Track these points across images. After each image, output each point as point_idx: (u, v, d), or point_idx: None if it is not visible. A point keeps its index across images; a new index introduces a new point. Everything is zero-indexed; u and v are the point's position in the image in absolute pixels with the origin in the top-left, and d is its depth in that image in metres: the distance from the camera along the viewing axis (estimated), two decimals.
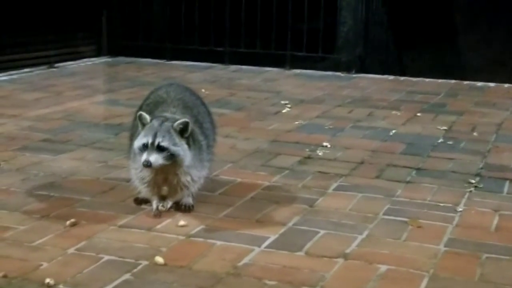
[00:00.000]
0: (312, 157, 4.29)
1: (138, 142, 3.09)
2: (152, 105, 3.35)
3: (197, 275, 2.64)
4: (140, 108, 3.37)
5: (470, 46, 8.71)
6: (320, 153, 4.37)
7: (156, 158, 3.03)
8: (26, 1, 7.19)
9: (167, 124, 3.10)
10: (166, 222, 3.14)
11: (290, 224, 3.17)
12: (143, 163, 3.04)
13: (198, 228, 3.08)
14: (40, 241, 2.89)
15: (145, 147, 3.05)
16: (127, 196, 3.40)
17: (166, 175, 3.19)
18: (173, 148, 3.07)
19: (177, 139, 3.09)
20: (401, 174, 3.98)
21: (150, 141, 3.04)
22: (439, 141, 4.76)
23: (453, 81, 7.29)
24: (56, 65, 7.49)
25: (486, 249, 2.95)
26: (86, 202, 3.37)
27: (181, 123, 3.10)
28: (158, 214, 3.21)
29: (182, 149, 3.10)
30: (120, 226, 3.09)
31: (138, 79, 6.95)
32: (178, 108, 3.29)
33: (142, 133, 3.10)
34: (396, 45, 8.96)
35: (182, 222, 3.11)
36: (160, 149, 3.04)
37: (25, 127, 4.81)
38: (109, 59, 8.23)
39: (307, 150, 4.43)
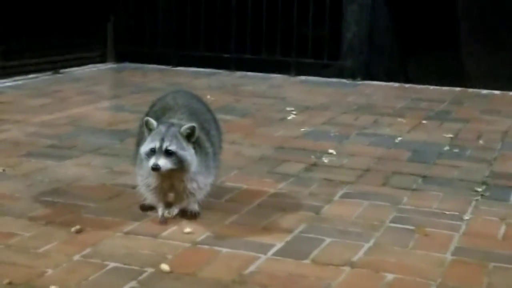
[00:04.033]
0: (318, 164, 4.28)
1: (145, 147, 3.09)
2: (159, 112, 3.34)
3: (203, 282, 2.63)
4: (147, 115, 3.35)
5: (475, 54, 8.70)
6: (326, 160, 4.36)
7: (164, 162, 3.03)
8: (32, 7, 7.20)
9: (174, 129, 3.09)
10: (172, 229, 3.13)
11: (296, 231, 3.16)
12: (151, 166, 3.03)
13: (204, 235, 3.07)
14: (45, 247, 2.88)
15: (152, 151, 3.05)
16: (132, 202, 3.39)
17: (172, 182, 3.18)
18: (180, 153, 3.06)
19: (184, 143, 3.09)
20: (407, 181, 3.97)
21: (157, 145, 3.04)
22: (445, 148, 4.75)
23: (458, 88, 7.28)
24: (62, 71, 7.49)
25: (494, 258, 2.93)
26: (92, 209, 3.36)
27: (188, 128, 3.10)
28: (164, 221, 3.20)
29: (189, 153, 3.10)
30: (126, 233, 3.08)
31: (143, 85, 6.96)
32: (185, 115, 3.28)
33: (149, 138, 3.09)
34: (401, 52, 8.95)
35: (188, 229, 3.10)
36: (168, 153, 3.04)
37: (30, 133, 4.81)
38: (115, 65, 8.24)
39: (313, 157, 4.42)
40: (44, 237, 2.99)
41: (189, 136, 3.10)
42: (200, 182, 3.20)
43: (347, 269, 2.78)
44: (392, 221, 3.33)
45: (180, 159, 3.07)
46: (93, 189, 3.67)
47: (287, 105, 6.06)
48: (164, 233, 3.08)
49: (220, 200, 3.54)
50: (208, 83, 7.21)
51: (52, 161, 4.13)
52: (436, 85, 7.40)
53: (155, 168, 3.03)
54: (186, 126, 3.10)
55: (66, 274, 2.65)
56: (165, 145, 3.04)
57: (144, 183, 3.23)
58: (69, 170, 3.99)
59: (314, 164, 4.28)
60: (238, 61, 8.07)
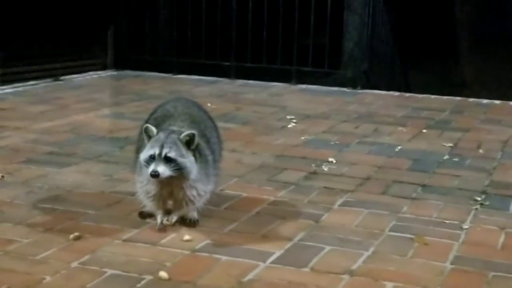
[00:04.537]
0: (318, 173, 4.27)
1: (144, 154, 3.08)
2: (160, 119, 3.34)
3: None
4: (147, 122, 3.35)
5: (476, 63, 8.71)
6: (326, 168, 4.36)
7: (163, 169, 3.02)
8: (33, 14, 7.21)
9: (174, 136, 3.09)
10: (171, 236, 3.13)
11: (295, 239, 3.15)
12: (150, 173, 3.02)
13: (203, 243, 3.06)
14: (43, 254, 2.88)
15: (152, 158, 3.04)
16: (132, 210, 3.39)
17: (171, 189, 3.18)
18: (180, 160, 3.06)
19: (184, 150, 3.08)
20: (407, 190, 3.97)
21: (157, 152, 3.03)
22: (445, 157, 4.74)
23: (458, 97, 7.28)
24: (62, 78, 7.50)
25: (493, 267, 2.92)
26: (91, 216, 3.36)
27: (187, 135, 3.09)
28: (163, 229, 3.19)
29: (189, 161, 3.09)
30: (125, 240, 3.07)
31: (144, 92, 6.95)
32: (186, 122, 3.28)
33: (149, 145, 3.09)
34: (402, 61, 8.97)
35: (187, 237, 3.10)
36: (167, 160, 3.03)
37: (30, 139, 4.80)
38: (115, 73, 8.24)
39: (313, 165, 4.41)
40: (42, 244, 2.98)
41: (189, 143, 3.09)
42: (199, 189, 3.20)
43: (346, 277, 2.78)
44: (391, 230, 3.33)
45: (179, 166, 3.06)
46: (93, 196, 3.67)
47: (288, 114, 6.06)
48: (163, 241, 3.07)
49: (220, 208, 3.53)
50: (208, 91, 7.21)
51: (52, 168, 4.13)
52: (437, 94, 7.40)
53: (154, 175, 3.02)
54: (185, 133, 3.10)
55: (65, 281, 2.65)
56: (164, 151, 3.04)
57: (143, 190, 3.23)
58: (68, 177, 3.99)
59: (314, 172, 4.27)
60: (238, 69, 8.08)
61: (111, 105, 6.46)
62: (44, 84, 7.17)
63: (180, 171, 3.07)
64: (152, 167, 3.02)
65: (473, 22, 8.84)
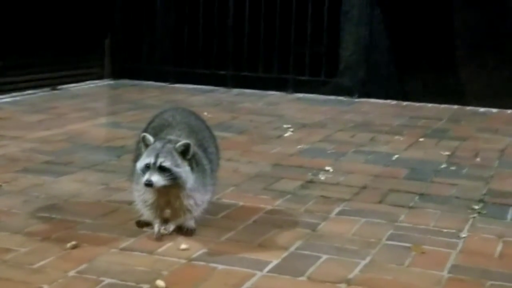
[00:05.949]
0: (315, 181, 4.27)
1: (140, 163, 3.09)
2: (157, 128, 3.34)
3: None
4: (145, 131, 3.35)
5: (473, 72, 8.71)
6: (322, 177, 4.36)
7: (158, 179, 3.03)
8: (30, 23, 7.22)
9: (170, 145, 3.09)
10: (168, 245, 3.12)
11: (292, 248, 3.15)
12: (144, 182, 3.03)
13: (200, 252, 3.06)
14: (40, 263, 2.87)
15: (147, 167, 3.05)
16: (128, 218, 3.38)
17: (169, 198, 3.17)
18: (174, 169, 3.06)
19: (179, 160, 3.08)
20: (404, 199, 3.97)
21: (152, 161, 3.04)
22: (442, 166, 4.74)
23: (455, 106, 7.29)
24: (59, 87, 7.50)
25: (490, 276, 2.92)
26: (88, 225, 3.35)
27: (183, 144, 3.10)
28: (160, 237, 3.19)
29: (184, 170, 3.09)
30: (122, 249, 3.07)
31: (140, 101, 6.96)
32: (183, 132, 3.28)
33: (145, 154, 3.10)
34: (399, 70, 8.97)
35: (183, 246, 3.09)
36: (161, 169, 3.04)
37: (27, 149, 4.80)
38: (112, 82, 8.25)
39: (309, 174, 4.41)
40: (39, 253, 2.98)
41: (184, 153, 3.10)
42: (197, 199, 3.20)
43: (343, 286, 2.77)
44: (388, 239, 3.32)
45: (174, 175, 3.06)
46: (89, 205, 3.66)
47: (284, 122, 6.06)
48: (160, 250, 3.07)
49: (216, 217, 3.53)
50: (205, 100, 7.21)
51: (49, 177, 4.12)
52: (434, 102, 7.41)
53: (148, 184, 3.03)
54: (181, 143, 3.10)
55: None
56: (159, 161, 3.04)
57: (141, 199, 3.23)
58: (65, 186, 3.98)
59: (311, 181, 4.27)
60: (235, 78, 8.08)
61: (107, 114, 6.46)
62: (41, 93, 7.17)
63: (174, 180, 3.07)
64: (146, 177, 3.03)
65: (470, 31, 8.86)
